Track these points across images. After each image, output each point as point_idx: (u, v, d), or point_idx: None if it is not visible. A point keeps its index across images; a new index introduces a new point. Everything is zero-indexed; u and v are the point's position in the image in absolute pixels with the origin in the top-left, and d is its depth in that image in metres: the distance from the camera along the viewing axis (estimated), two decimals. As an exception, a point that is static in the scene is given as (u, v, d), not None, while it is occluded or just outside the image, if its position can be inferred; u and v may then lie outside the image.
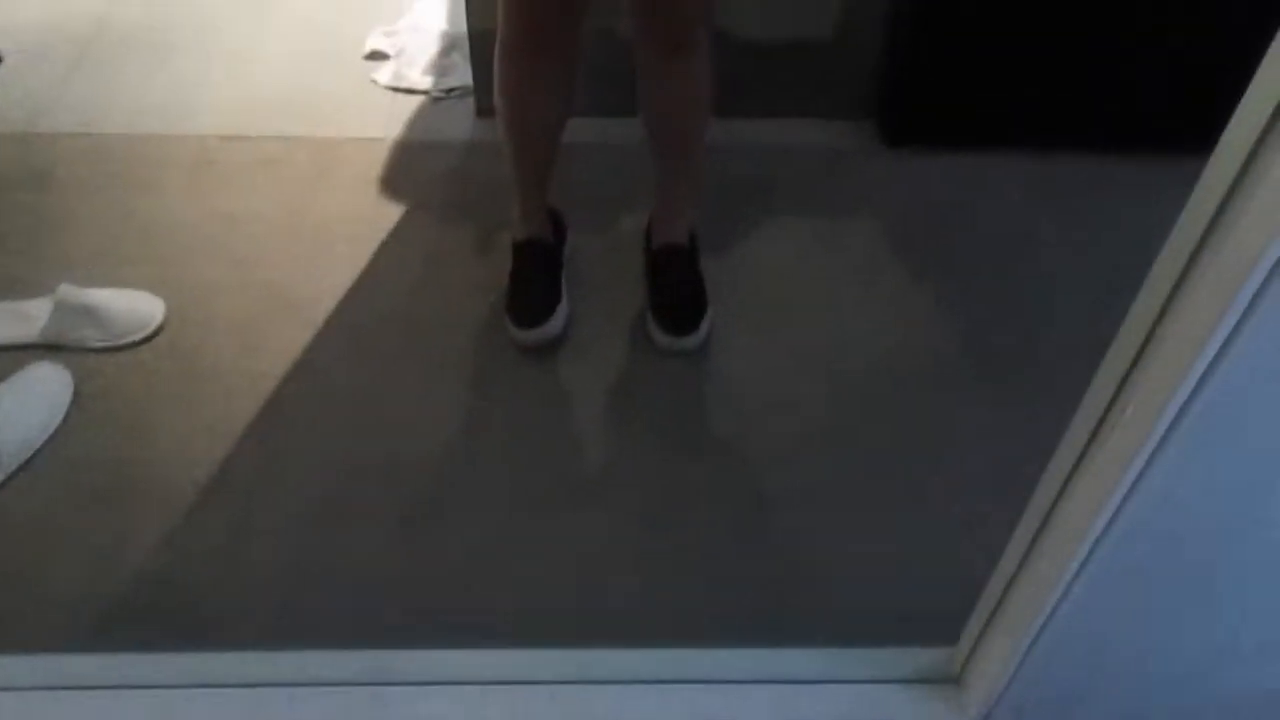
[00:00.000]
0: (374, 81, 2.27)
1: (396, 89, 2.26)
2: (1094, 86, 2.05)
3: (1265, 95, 0.68)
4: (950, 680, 1.24)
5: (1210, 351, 0.76)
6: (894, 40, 2.07)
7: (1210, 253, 0.75)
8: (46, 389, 1.60)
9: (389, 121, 2.18)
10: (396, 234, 1.93)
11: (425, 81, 2.26)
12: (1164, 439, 0.82)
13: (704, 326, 1.73)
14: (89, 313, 1.67)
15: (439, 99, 2.24)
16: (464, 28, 2.12)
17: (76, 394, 1.61)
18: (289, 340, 1.72)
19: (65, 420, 1.58)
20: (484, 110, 2.15)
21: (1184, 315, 0.78)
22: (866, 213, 2.01)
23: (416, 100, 2.24)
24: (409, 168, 2.08)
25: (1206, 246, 0.76)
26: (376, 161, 2.08)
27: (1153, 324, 0.81)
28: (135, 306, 1.73)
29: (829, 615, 1.40)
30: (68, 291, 1.67)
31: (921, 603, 1.37)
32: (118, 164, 2.04)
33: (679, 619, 1.40)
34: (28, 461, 1.52)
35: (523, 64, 1.58)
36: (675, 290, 1.75)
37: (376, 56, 2.33)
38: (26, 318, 1.69)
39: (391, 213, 1.97)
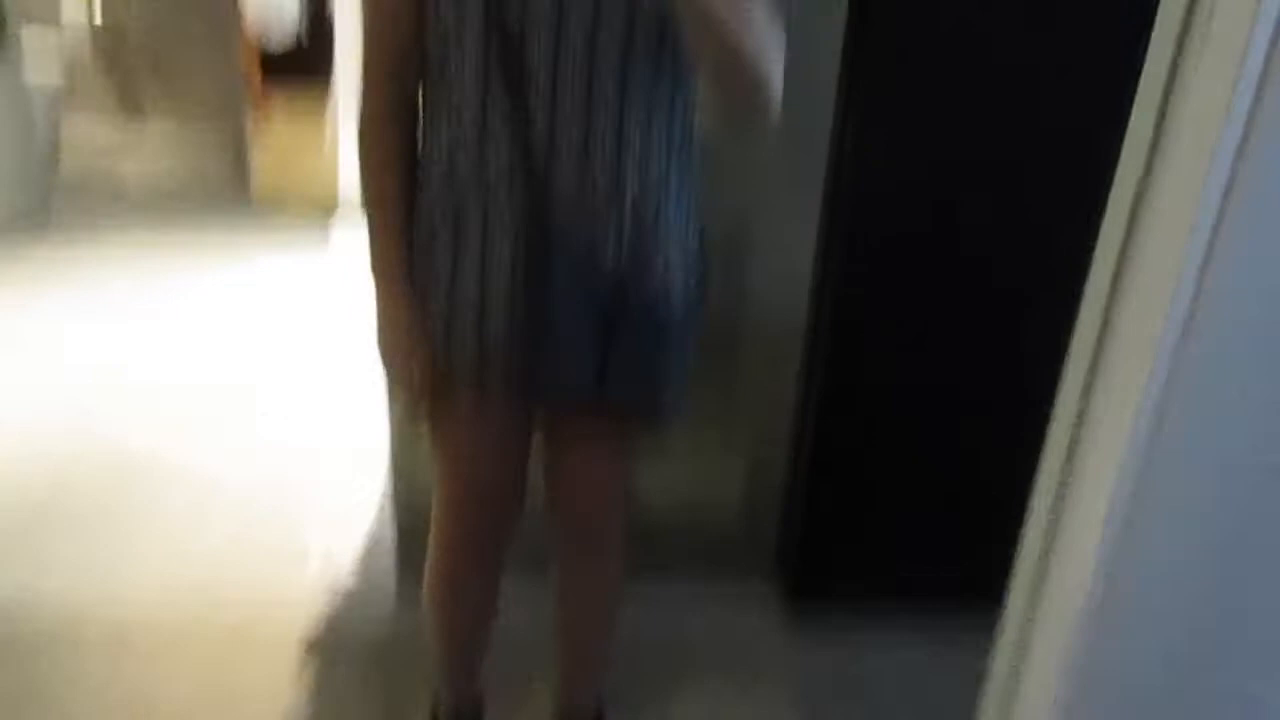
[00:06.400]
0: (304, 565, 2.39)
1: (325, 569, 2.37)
2: (986, 537, 2.18)
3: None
4: None
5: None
6: (791, 505, 2.26)
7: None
8: None
9: (313, 594, 2.26)
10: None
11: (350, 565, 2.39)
12: None
13: (619, 798, 1.70)
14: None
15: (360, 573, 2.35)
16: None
17: None
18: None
19: None
20: (406, 585, 2.25)
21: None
22: (773, 675, 2.08)
23: (343, 570, 2.35)
24: (332, 641, 2.12)
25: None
26: (297, 633, 2.12)
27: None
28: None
29: None
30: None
31: None
32: (28, 652, 2.05)
33: None
34: None
35: (457, 582, 1.57)
36: (588, 765, 1.74)
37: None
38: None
39: (310, 687, 1.98)
